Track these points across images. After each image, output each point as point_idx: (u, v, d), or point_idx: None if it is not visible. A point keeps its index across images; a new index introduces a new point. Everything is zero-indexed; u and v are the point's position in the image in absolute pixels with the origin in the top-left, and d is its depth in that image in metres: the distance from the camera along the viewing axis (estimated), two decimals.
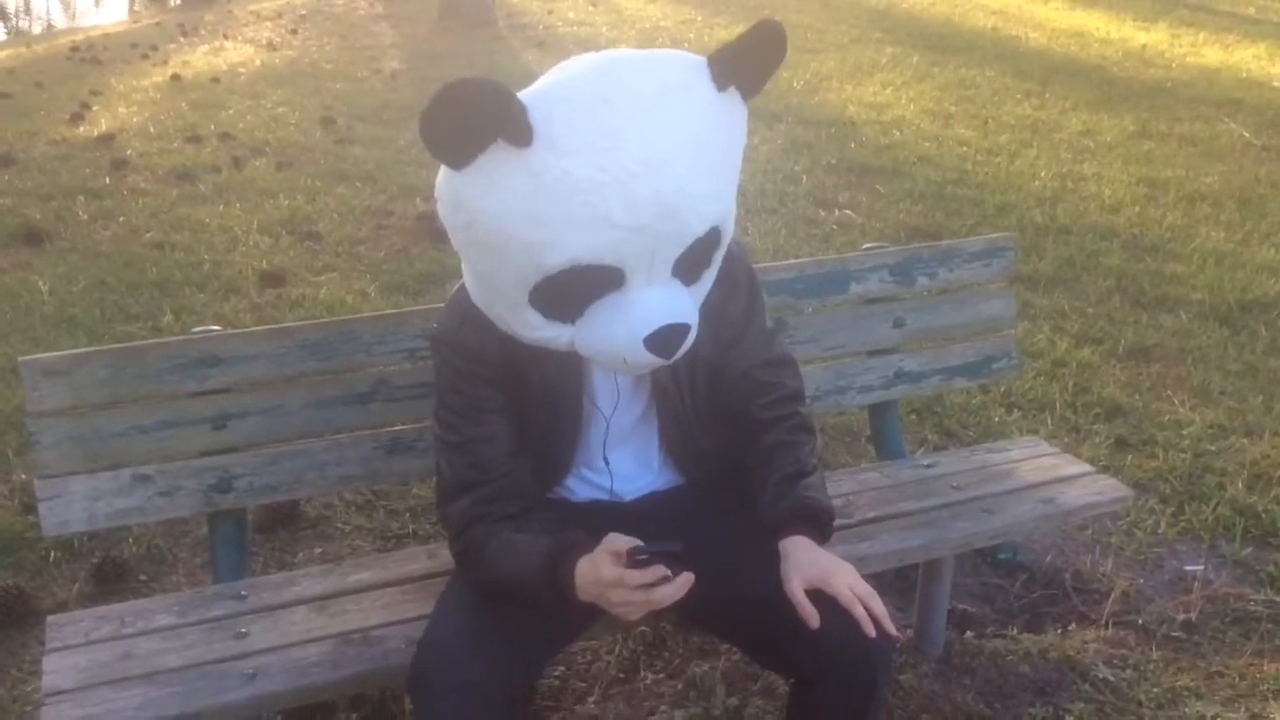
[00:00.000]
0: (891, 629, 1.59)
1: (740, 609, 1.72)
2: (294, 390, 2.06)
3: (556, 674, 2.41)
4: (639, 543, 1.48)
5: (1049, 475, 2.39)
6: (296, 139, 7.15)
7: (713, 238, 1.55)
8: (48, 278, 4.56)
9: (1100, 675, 2.42)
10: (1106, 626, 2.61)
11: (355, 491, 3.01)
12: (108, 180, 6.04)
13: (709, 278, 1.64)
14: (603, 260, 1.46)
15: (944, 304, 2.59)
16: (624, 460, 1.83)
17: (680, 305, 1.55)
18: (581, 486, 1.85)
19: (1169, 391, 3.83)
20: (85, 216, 5.41)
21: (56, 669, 1.73)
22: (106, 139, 7.01)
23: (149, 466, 1.98)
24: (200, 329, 2.09)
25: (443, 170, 1.50)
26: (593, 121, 1.41)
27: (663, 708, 2.29)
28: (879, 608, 1.58)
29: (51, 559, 2.72)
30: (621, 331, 1.52)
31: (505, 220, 1.45)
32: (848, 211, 5.73)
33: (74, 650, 1.78)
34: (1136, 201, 6.06)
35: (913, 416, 3.54)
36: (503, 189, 1.43)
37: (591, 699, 2.34)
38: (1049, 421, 3.59)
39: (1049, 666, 2.45)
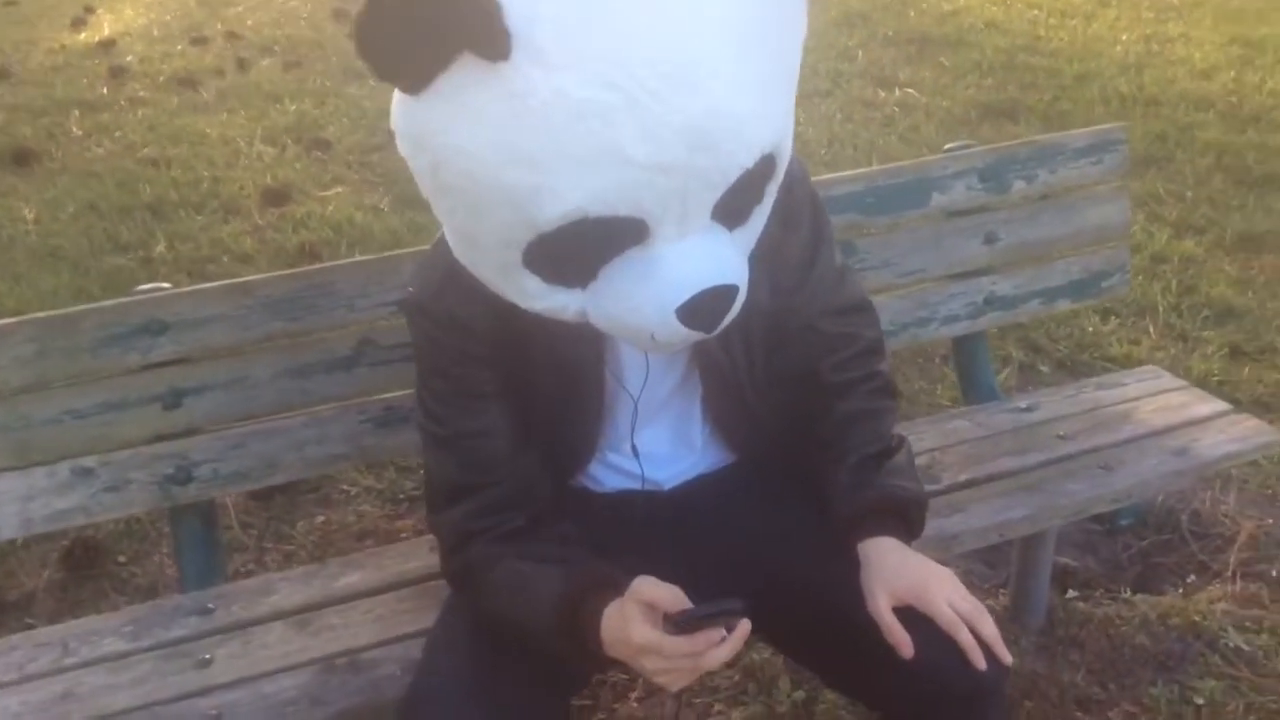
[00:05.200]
0: (1005, 655, 1.27)
1: (812, 628, 1.39)
2: (261, 357, 1.76)
3: None
4: (679, 595, 1.12)
5: (1177, 418, 2.01)
6: (307, 35, 6.79)
7: (764, 168, 1.16)
8: (34, 204, 4.29)
9: (1231, 644, 2.13)
10: (1234, 580, 2.30)
11: None
12: (105, 91, 5.73)
13: (761, 215, 1.24)
14: (616, 211, 1.08)
15: (1045, 212, 2.16)
16: (658, 440, 1.47)
17: (723, 261, 1.17)
18: (608, 475, 1.50)
19: None
20: (79, 132, 5.14)
21: None
22: (107, 44, 6.68)
23: (90, 458, 1.69)
24: (146, 286, 1.77)
25: (396, 95, 1.12)
26: (591, 22, 1.02)
27: (718, 706, 2.00)
28: (989, 629, 1.26)
29: (18, 542, 2.44)
30: (647, 300, 1.14)
31: (481, 161, 1.08)
32: (910, 90, 5.32)
33: (6, 690, 1.51)
34: (1231, 64, 5.56)
35: (994, 331, 3.14)
36: (474, 118, 1.06)
37: (634, 695, 2.04)
38: (1151, 330, 3.19)
39: (1170, 635, 2.15)
